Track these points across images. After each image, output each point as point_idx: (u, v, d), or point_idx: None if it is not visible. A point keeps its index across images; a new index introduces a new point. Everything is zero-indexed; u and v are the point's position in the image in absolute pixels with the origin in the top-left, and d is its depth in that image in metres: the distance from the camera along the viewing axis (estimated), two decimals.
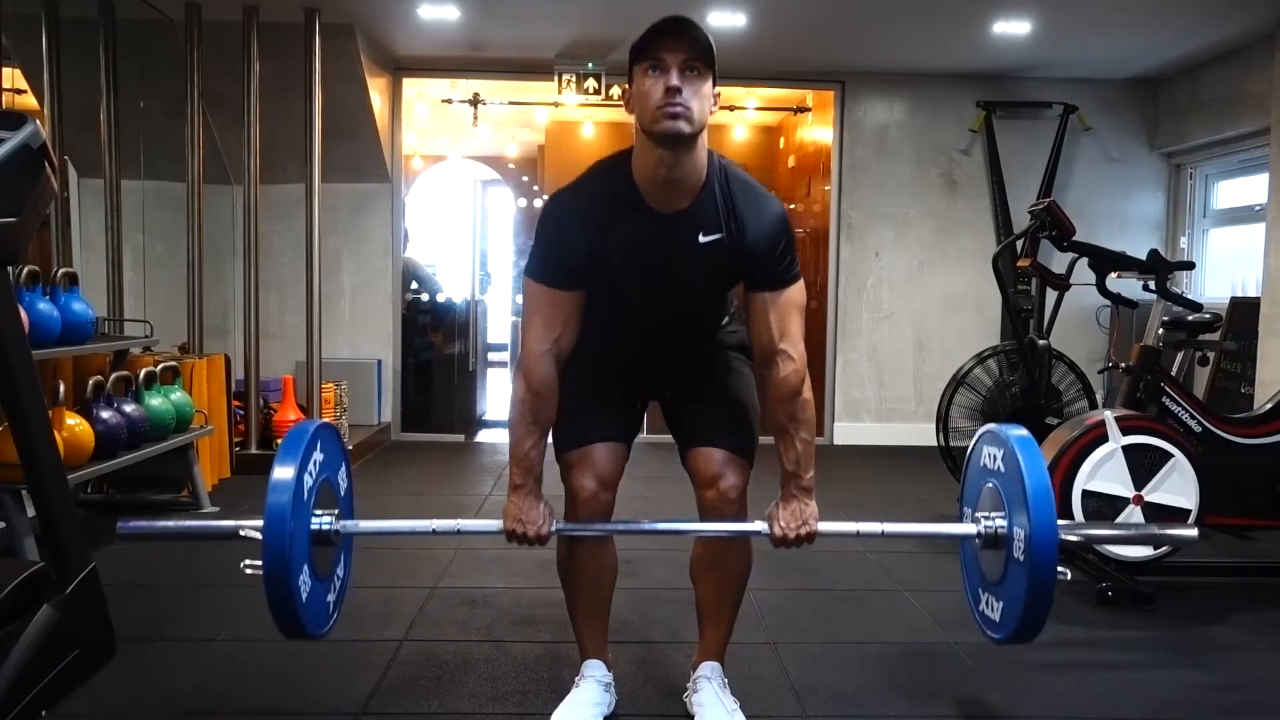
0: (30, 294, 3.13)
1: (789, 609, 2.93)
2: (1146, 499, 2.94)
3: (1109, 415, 3.01)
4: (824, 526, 1.92)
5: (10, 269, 2.18)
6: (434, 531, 1.95)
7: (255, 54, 4.71)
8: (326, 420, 2.00)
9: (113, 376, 3.57)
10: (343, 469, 2.05)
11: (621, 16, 4.94)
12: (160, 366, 3.85)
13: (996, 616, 1.91)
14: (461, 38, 5.30)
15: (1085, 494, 2.94)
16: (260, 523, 1.76)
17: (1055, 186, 5.87)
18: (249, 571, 1.79)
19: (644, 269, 1.88)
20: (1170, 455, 2.96)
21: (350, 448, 5.03)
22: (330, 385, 5.05)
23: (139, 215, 4.86)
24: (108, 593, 2.41)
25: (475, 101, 6.45)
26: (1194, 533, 1.96)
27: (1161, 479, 2.94)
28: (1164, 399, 3.22)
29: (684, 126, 1.73)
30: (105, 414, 3.39)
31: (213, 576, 3.17)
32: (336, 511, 1.96)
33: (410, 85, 6.02)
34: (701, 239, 1.85)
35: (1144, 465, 2.95)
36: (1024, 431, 1.87)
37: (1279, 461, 3.17)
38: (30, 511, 2.84)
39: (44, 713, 2.08)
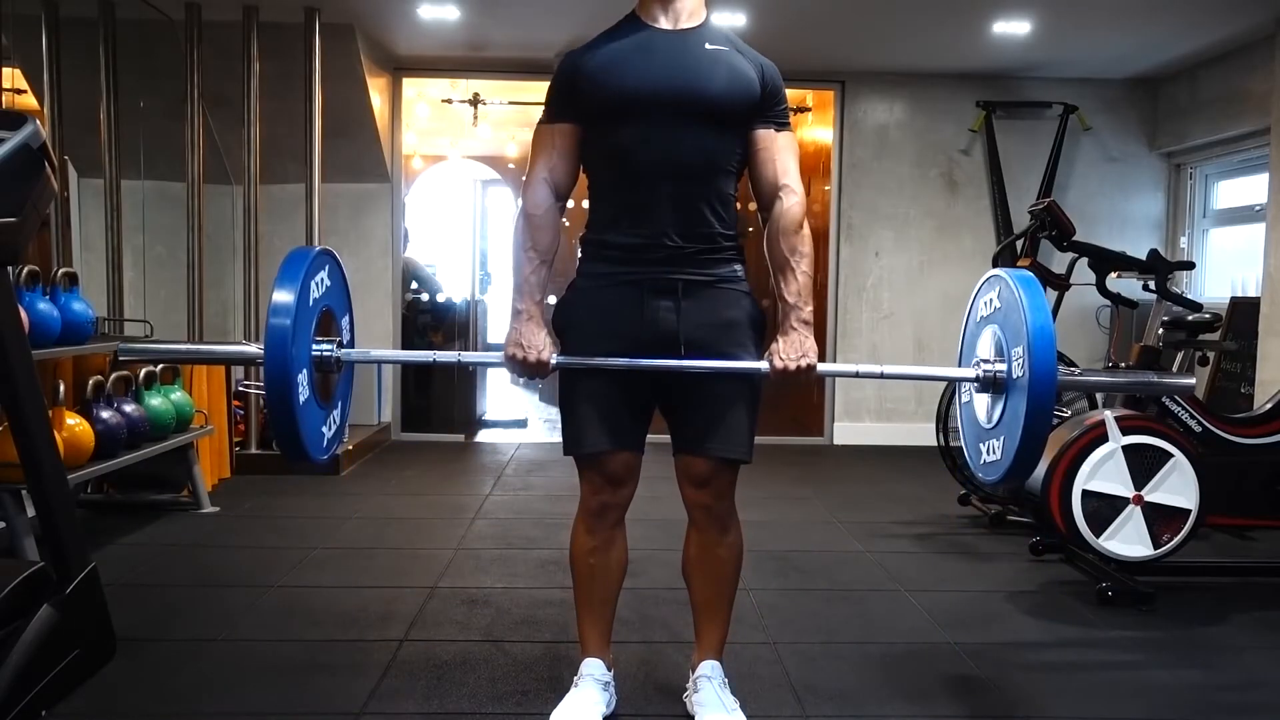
0: (30, 294, 3.13)
1: (789, 609, 2.93)
2: (1146, 499, 2.94)
3: (1109, 415, 3.01)
4: (823, 367, 1.95)
5: (10, 269, 2.19)
6: (434, 361, 1.99)
7: (255, 54, 4.71)
8: (328, 247, 1.98)
9: (113, 376, 3.57)
10: (346, 305, 2.06)
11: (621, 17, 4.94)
12: (160, 366, 3.85)
13: (996, 457, 1.89)
14: (461, 38, 5.30)
15: (1085, 494, 2.94)
16: (260, 349, 1.76)
17: (1055, 186, 5.87)
18: (247, 390, 1.80)
19: (646, 74, 1.90)
20: (1170, 455, 2.96)
21: (350, 447, 5.04)
22: None
23: (139, 215, 4.86)
24: (108, 593, 2.41)
25: (475, 101, 6.46)
26: (1191, 381, 1.97)
27: (1161, 479, 2.94)
28: (1164, 399, 3.22)
29: None
30: (105, 414, 3.40)
31: (213, 576, 3.17)
32: (337, 340, 1.97)
33: (410, 85, 6.02)
34: (708, 47, 1.93)
35: (1144, 465, 2.95)
36: (1027, 273, 1.88)
37: (1279, 461, 3.18)
38: (30, 511, 2.84)
39: (44, 713, 2.08)
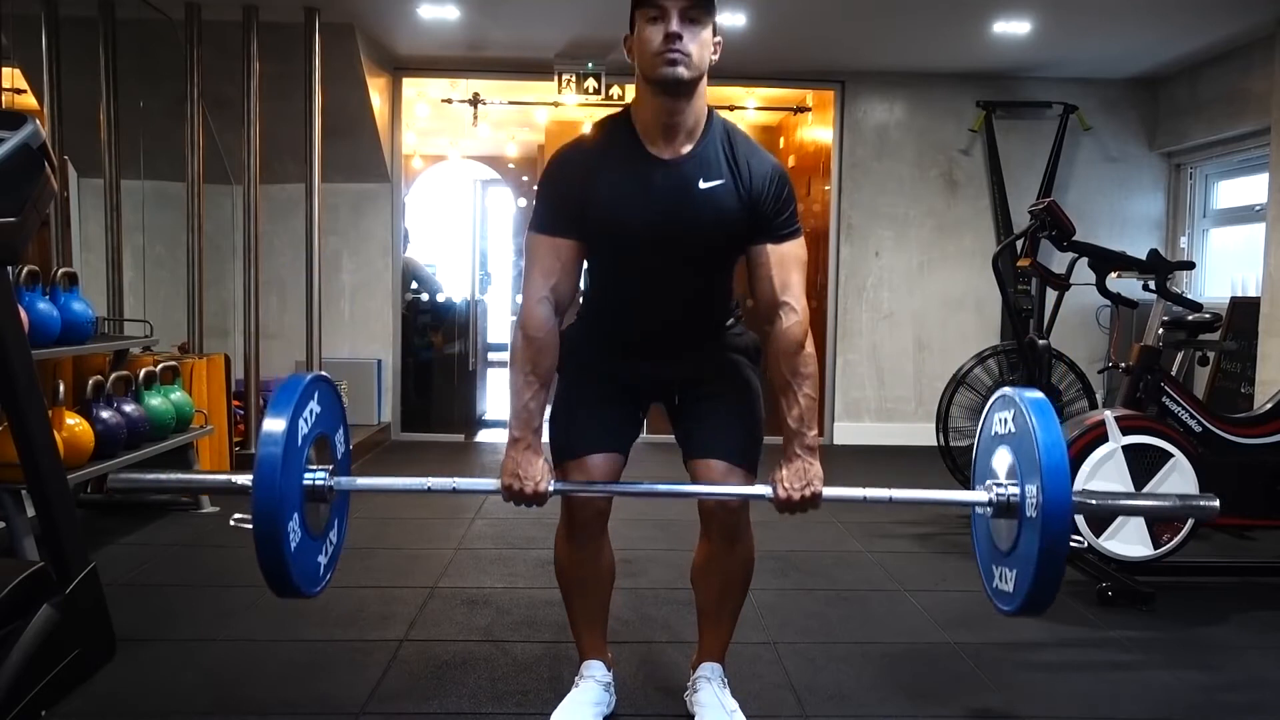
0: (30, 294, 3.13)
1: (789, 609, 2.93)
2: None
3: (1109, 415, 3.01)
4: (829, 491, 1.87)
5: (10, 269, 2.19)
6: (429, 489, 1.90)
7: (255, 54, 4.70)
8: (323, 373, 1.95)
9: (113, 376, 3.57)
10: (340, 425, 2.01)
11: (621, 16, 4.89)
12: (160, 366, 3.85)
13: (1009, 588, 1.83)
14: (461, 38, 5.30)
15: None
16: (250, 478, 1.72)
17: (1055, 186, 5.87)
18: (239, 526, 1.76)
19: (645, 215, 1.84)
20: (1170, 455, 2.96)
21: (350, 446, 5.03)
22: None
23: (139, 215, 4.86)
24: (108, 593, 2.41)
25: (475, 101, 6.45)
26: (1215, 504, 1.86)
27: (1161, 479, 2.94)
28: (1164, 399, 3.22)
29: (682, 71, 1.75)
30: (105, 414, 3.39)
31: (213, 577, 3.17)
32: (331, 467, 1.90)
33: (410, 85, 6.02)
34: (703, 185, 1.84)
35: (1144, 465, 2.95)
36: (1038, 394, 1.82)
37: (1279, 461, 3.17)
38: (30, 511, 2.84)
39: (44, 713, 2.08)
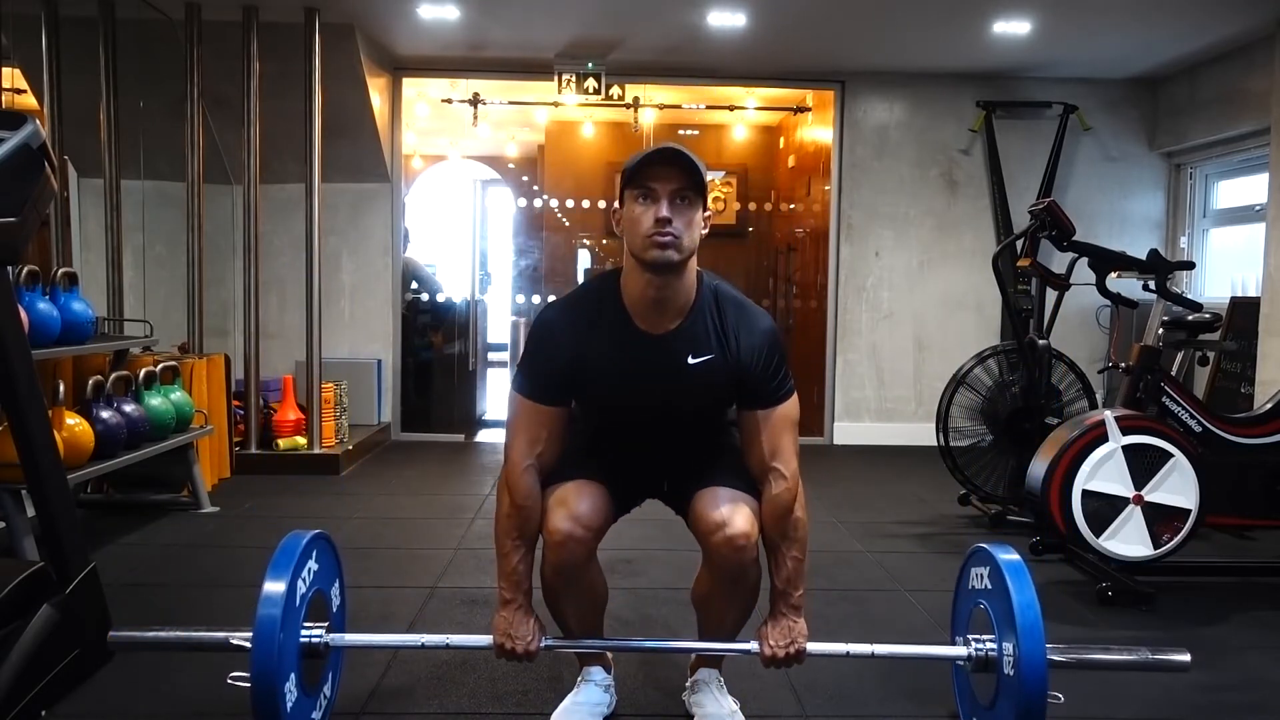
0: (30, 294, 3.13)
1: None
2: (1146, 499, 2.94)
3: (1109, 415, 3.01)
4: (813, 647, 1.92)
5: (10, 269, 2.19)
6: (423, 645, 2.00)
7: (255, 54, 4.71)
8: (322, 531, 1.98)
9: (113, 376, 3.57)
10: (336, 579, 2.08)
11: (621, 16, 4.95)
12: (160, 366, 3.85)
13: None
14: (461, 38, 5.30)
15: (1085, 494, 2.94)
16: (250, 633, 1.77)
17: (1055, 186, 5.87)
18: (236, 684, 1.80)
19: (634, 391, 1.86)
20: (1170, 455, 2.96)
21: (350, 447, 5.04)
22: (330, 385, 5.05)
23: (139, 215, 4.86)
24: (108, 593, 2.41)
25: (475, 101, 6.45)
26: (1186, 657, 1.93)
27: (1161, 479, 2.94)
28: (1164, 399, 3.22)
29: (673, 255, 1.75)
30: (105, 414, 3.39)
31: (213, 576, 3.17)
32: (326, 624, 1.96)
33: (410, 85, 6.02)
34: (692, 361, 1.84)
35: (1144, 465, 2.95)
36: (1013, 555, 1.87)
37: (1279, 461, 3.17)
38: (30, 511, 2.84)
39: (44, 713, 2.08)
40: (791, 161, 6.97)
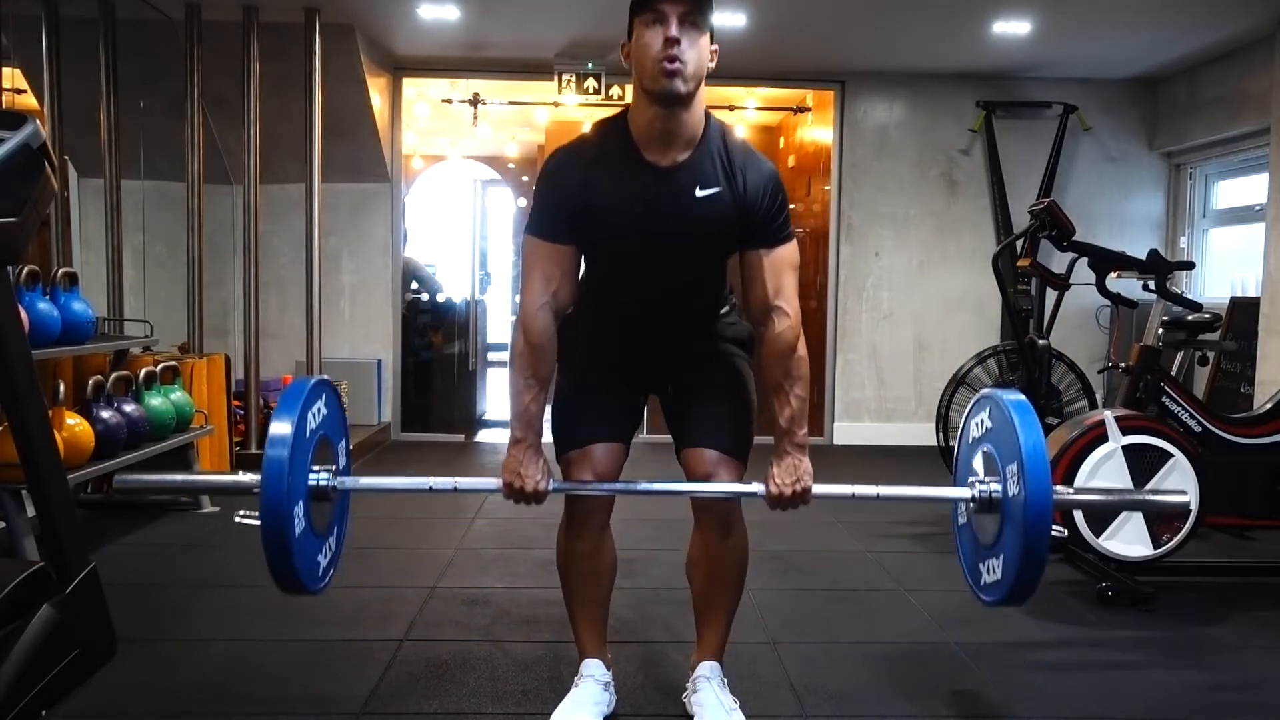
0: (30, 294, 3.13)
1: (789, 609, 2.93)
2: None
3: (1109, 415, 3.01)
4: (819, 488, 1.92)
5: (10, 269, 2.18)
6: (430, 489, 1.96)
7: (255, 54, 4.71)
8: (325, 377, 1.97)
9: (113, 376, 3.57)
10: (342, 430, 2.04)
11: (621, 16, 4.90)
12: (160, 366, 3.85)
13: (995, 577, 1.88)
14: (461, 38, 5.30)
15: None
16: (257, 477, 1.75)
17: (1055, 186, 5.87)
18: (244, 522, 1.79)
19: (642, 222, 1.87)
20: (1170, 455, 2.96)
21: (350, 451, 5.03)
22: None
23: (139, 215, 4.86)
24: (108, 593, 2.41)
25: (475, 101, 6.45)
26: (1186, 498, 1.93)
27: (1161, 479, 2.94)
28: (1164, 399, 3.22)
29: (680, 85, 1.77)
30: (105, 414, 3.39)
31: (213, 576, 3.17)
32: (334, 467, 1.95)
33: (410, 85, 6.02)
34: (699, 193, 1.86)
35: (1144, 465, 2.95)
36: (1017, 395, 1.86)
37: (1279, 461, 3.17)
38: (30, 511, 2.84)
39: (44, 713, 2.08)
40: (791, 161, 6.97)
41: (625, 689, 2.25)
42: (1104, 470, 2.94)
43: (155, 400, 3.72)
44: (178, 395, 3.89)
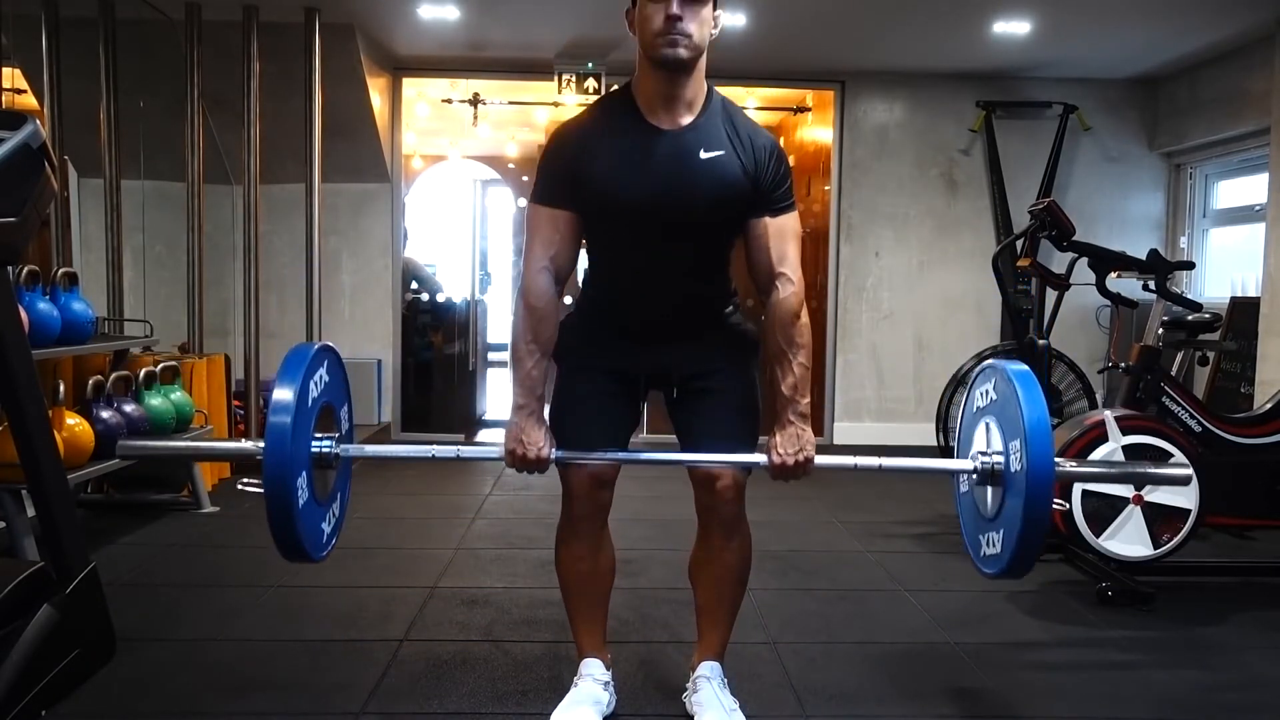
0: (30, 294, 3.13)
1: (789, 609, 2.93)
2: (1146, 499, 2.94)
3: (1109, 415, 3.01)
4: (821, 459, 1.92)
5: (10, 269, 2.19)
6: (433, 457, 1.95)
7: (255, 54, 4.70)
8: (328, 343, 1.96)
9: (113, 376, 3.57)
10: (345, 398, 2.03)
11: (621, 16, 4.94)
12: (160, 366, 3.85)
13: (996, 550, 1.87)
14: (461, 38, 5.30)
15: (1085, 494, 2.94)
16: (261, 444, 1.75)
17: (1055, 186, 5.87)
18: (247, 490, 1.78)
19: (647, 184, 1.86)
20: (1170, 455, 2.96)
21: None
22: None
23: (139, 215, 4.86)
24: (108, 593, 2.41)
25: (475, 101, 6.45)
26: (1187, 471, 1.93)
27: None
28: (1164, 399, 3.22)
29: (682, 53, 1.79)
30: (105, 414, 3.39)
31: (213, 576, 3.17)
32: (336, 435, 1.94)
33: (410, 85, 6.02)
34: (704, 154, 1.87)
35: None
36: (1020, 365, 1.85)
37: (1279, 461, 3.17)
38: (30, 511, 2.84)
39: (44, 713, 2.08)
40: (791, 161, 6.91)
41: (625, 689, 2.25)
42: None
43: (155, 400, 3.72)
44: (178, 395, 3.89)
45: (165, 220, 5.07)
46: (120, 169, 4.63)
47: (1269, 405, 3.28)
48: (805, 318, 1.92)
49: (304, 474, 1.80)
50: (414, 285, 6.56)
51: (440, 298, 6.68)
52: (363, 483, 4.65)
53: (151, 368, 3.80)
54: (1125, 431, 2.97)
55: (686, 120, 1.88)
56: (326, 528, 1.95)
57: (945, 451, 4.13)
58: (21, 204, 2.07)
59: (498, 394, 7.31)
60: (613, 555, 2.13)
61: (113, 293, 4.59)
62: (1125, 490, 2.94)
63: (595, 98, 5.55)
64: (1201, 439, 3.16)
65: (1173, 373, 3.43)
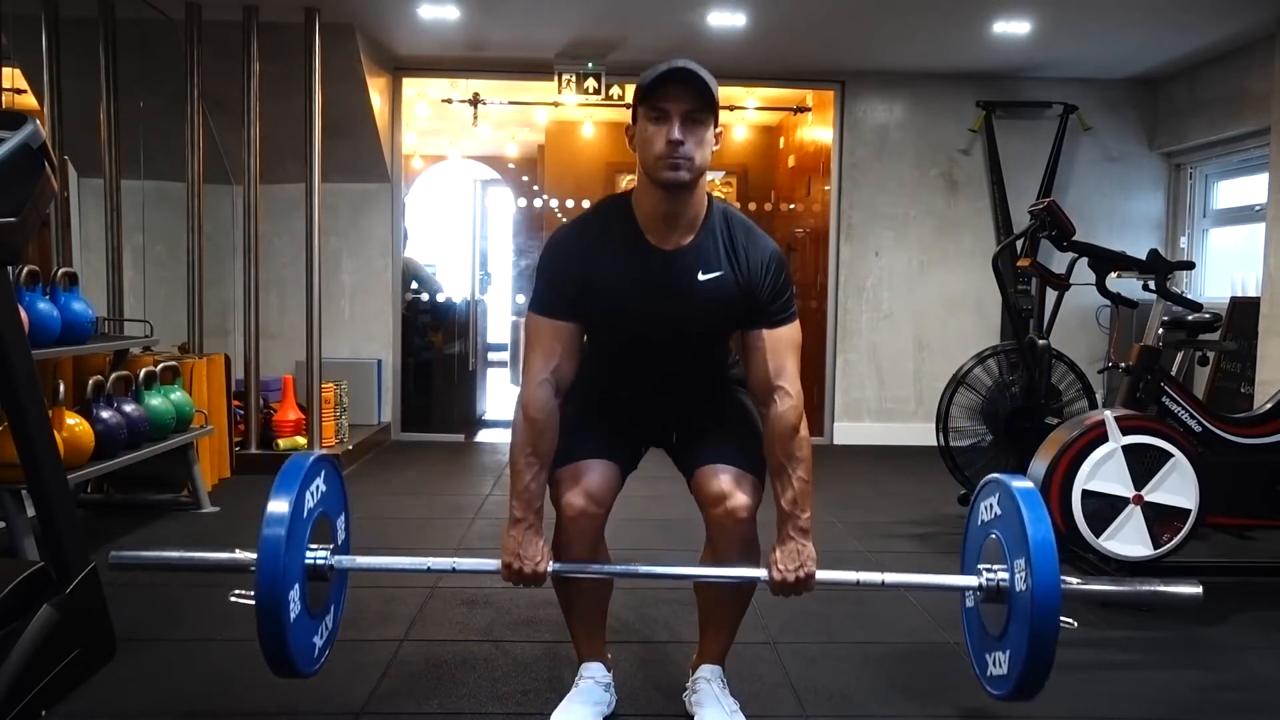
0: (30, 294, 3.13)
1: (789, 609, 2.92)
2: (1146, 499, 2.94)
3: (1109, 415, 3.01)
4: (823, 574, 1.90)
5: (10, 269, 2.18)
6: (429, 569, 1.95)
7: (255, 54, 4.71)
8: (326, 452, 1.96)
9: (113, 376, 3.57)
10: (342, 507, 2.04)
11: (621, 16, 4.95)
12: (160, 366, 3.85)
13: (1002, 671, 1.85)
14: (461, 38, 5.30)
15: (1085, 494, 2.94)
16: (254, 555, 1.74)
17: (1055, 186, 5.87)
18: (238, 601, 1.78)
19: (643, 304, 1.88)
20: (1170, 455, 2.96)
21: (350, 447, 5.04)
22: (330, 385, 5.05)
23: (139, 215, 4.86)
24: (108, 593, 2.41)
25: (475, 101, 6.45)
26: (1198, 590, 1.89)
27: (1161, 479, 2.94)
28: (1164, 399, 3.22)
29: (684, 175, 1.79)
30: (105, 414, 3.39)
31: (213, 577, 3.16)
32: (331, 546, 1.93)
33: (410, 85, 6.02)
34: (701, 277, 1.87)
35: (1144, 465, 2.95)
36: (1025, 482, 1.84)
37: (1279, 461, 3.17)
38: (30, 511, 2.84)
39: (44, 713, 2.08)
40: (791, 161, 6.97)
41: (625, 689, 2.25)
42: (1104, 470, 2.94)
43: (155, 400, 3.72)
44: (178, 395, 3.89)
45: (165, 220, 5.07)
46: (120, 169, 4.63)
47: (1269, 405, 3.28)
48: (804, 431, 1.89)
49: (296, 586, 1.78)
50: (414, 285, 6.56)
51: (440, 297, 6.69)
52: (363, 483, 4.66)
53: (151, 368, 3.80)
54: (1125, 431, 2.97)
55: (686, 240, 1.87)
56: (319, 641, 1.94)
57: (946, 452, 4.13)
58: (21, 204, 2.06)
59: (497, 394, 7.31)
60: (609, 563, 2.09)
61: (113, 293, 4.59)
62: (1125, 490, 2.94)
63: (595, 97, 5.63)
64: (1201, 439, 3.16)
65: (1173, 373, 3.43)
